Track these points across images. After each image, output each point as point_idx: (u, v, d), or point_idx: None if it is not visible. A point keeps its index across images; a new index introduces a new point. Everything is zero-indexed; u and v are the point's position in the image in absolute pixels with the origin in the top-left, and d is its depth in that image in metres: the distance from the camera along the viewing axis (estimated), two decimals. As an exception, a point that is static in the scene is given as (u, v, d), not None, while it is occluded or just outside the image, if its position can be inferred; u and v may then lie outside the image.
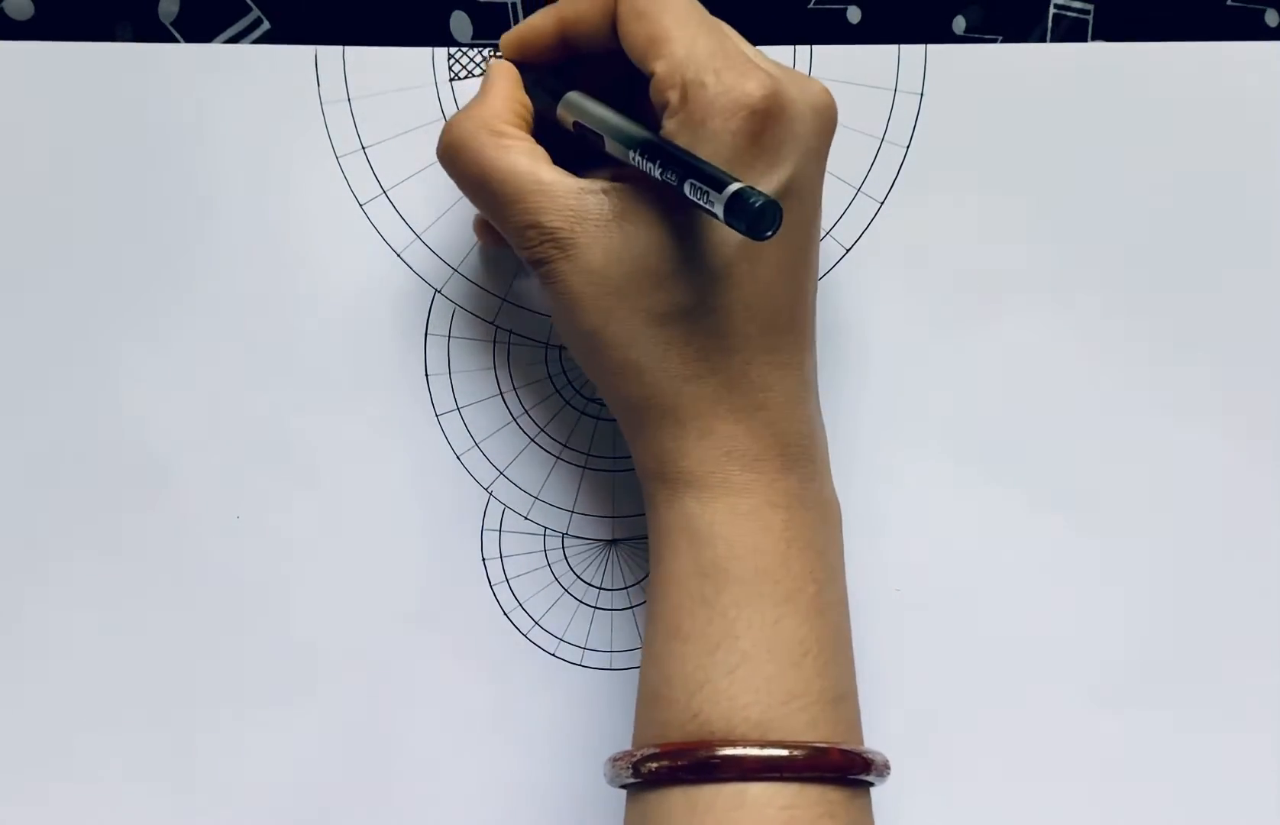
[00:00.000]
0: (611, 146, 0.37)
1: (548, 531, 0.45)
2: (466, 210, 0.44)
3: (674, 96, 0.36)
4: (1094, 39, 0.45)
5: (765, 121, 0.35)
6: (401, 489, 0.44)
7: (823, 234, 0.44)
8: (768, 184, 0.36)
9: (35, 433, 0.44)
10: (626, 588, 0.45)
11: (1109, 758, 0.44)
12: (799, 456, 0.38)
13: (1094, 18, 0.45)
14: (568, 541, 0.45)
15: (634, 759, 0.36)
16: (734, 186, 0.32)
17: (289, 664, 0.44)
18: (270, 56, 0.44)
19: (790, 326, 0.38)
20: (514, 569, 0.44)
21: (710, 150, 0.35)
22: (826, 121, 0.38)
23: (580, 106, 0.39)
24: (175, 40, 0.44)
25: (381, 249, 0.44)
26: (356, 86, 0.44)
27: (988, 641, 0.45)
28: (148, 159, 0.44)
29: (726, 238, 0.36)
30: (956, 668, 0.45)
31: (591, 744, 0.44)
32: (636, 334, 0.37)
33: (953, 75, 0.45)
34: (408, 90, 0.44)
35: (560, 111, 0.39)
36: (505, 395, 0.45)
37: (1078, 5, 0.45)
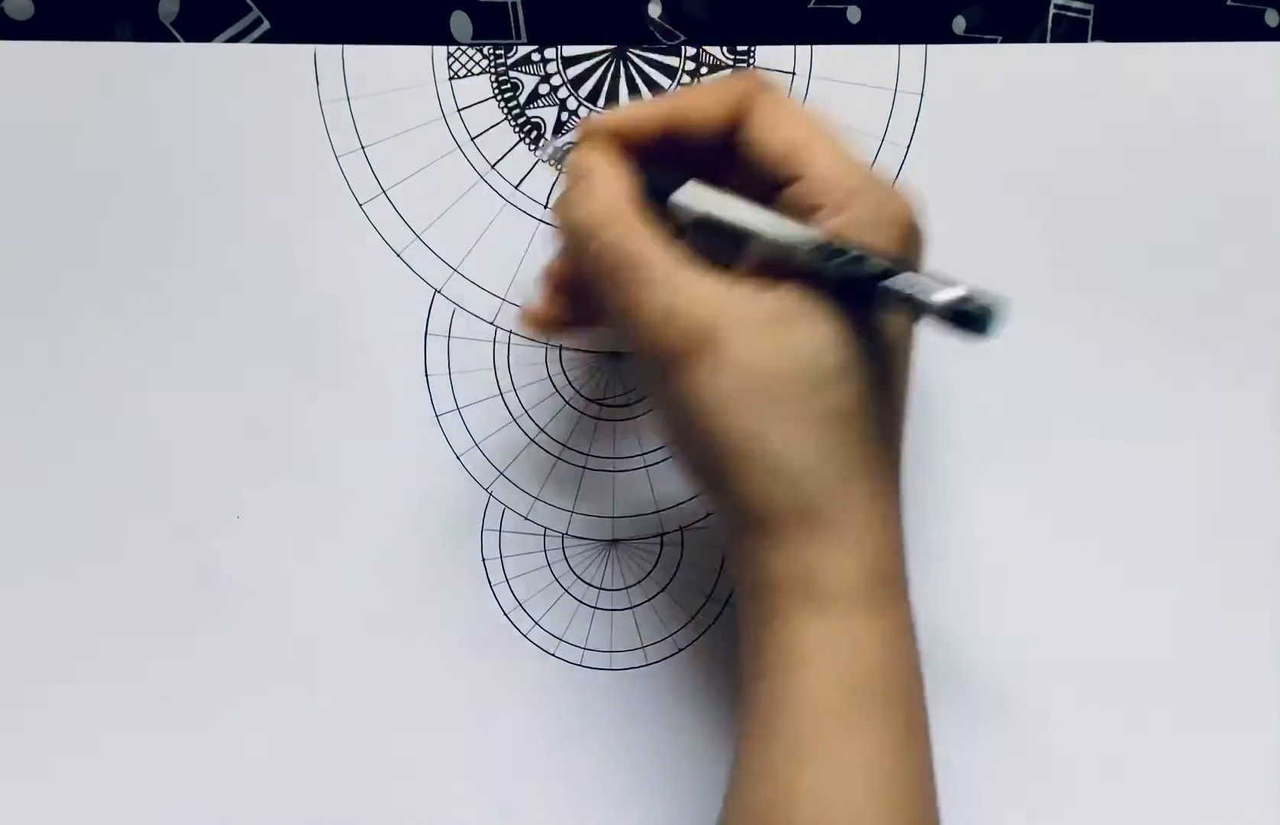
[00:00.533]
0: (762, 245, 0.36)
1: (548, 532, 0.45)
2: (467, 211, 0.44)
3: (831, 201, 0.35)
4: (1094, 39, 0.45)
5: (914, 237, 0.36)
6: (401, 489, 0.44)
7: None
8: None
9: (35, 432, 0.44)
10: (626, 588, 0.45)
11: (1110, 757, 0.44)
12: (906, 573, 0.37)
13: (1094, 18, 0.45)
14: (568, 542, 0.45)
15: None
16: (958, 288, 0.32)
17: (289, 664, 0.44)
18: (270, 56, 0.44)
19: (903, 435, 0.37)
20: (514, 569, 0.44)
21: None
22: (924, 239, 0.38)
23: (710, 200, 0.37)
24: (175, 40, 0.44)
25: (381, 249, 0.44)
26: (356, 86, 0.44)
27: (988, 641, 0.45)
28: (148, 159, 0.44)
29: (883, 344, 0.36)
30: (956, 667, 0.45)
31: (592, 744, 0.44)
32: (793, 436, 0.35)
33: (953, 75, 0.45)
34: (408, 90, 0.44)
35: (675, 206, 0.37)
36: (505, 395, 0.45)
37: (1078, 5, 0.45)
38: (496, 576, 0.44)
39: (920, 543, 0.44)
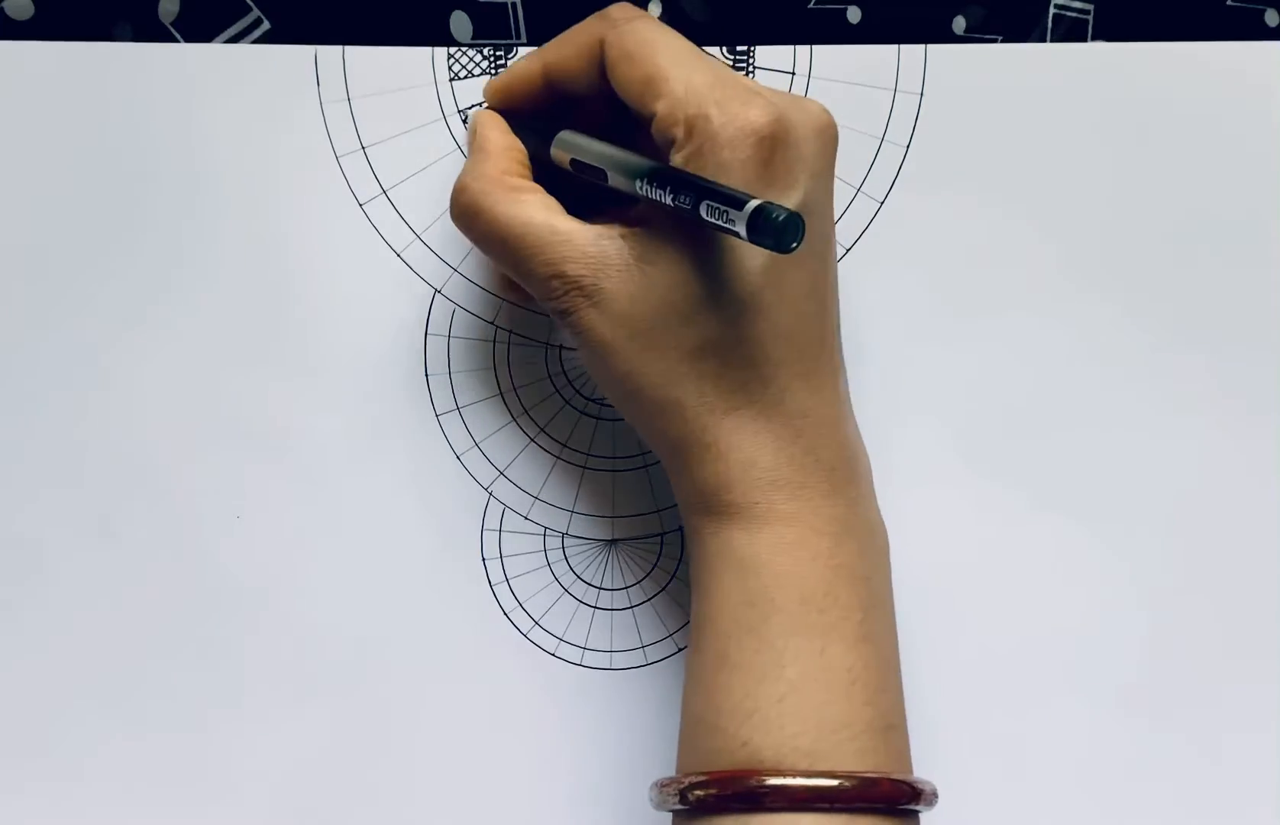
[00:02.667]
0: (615, 179, 0.37)
1: (548, 531, 0.45)
2: (466, 210, 0.44)
3: (679, 132, 0.36)
4: (1094, 39, 0.45)
5: (773, 147, 0.36)
6: (401, 489, 0.44)
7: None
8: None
9: (35, 432, 0.44)
10: (626, 588, 0.45)
11: (1110, 758, 0.44)
12: (843, 481, 0.38)
13: (1094, 18, 0.45)
14: (568, 541, 0.45)
15: (681, 785, 0.36)
16: (754, 202, 0.32)
17: (289, 664, 0.44)
18: (270, 56, 0.44)
19: (820, 347, 0.38)
20: (514, 569, 0.44)
21: (721, 180, 0.35)
22: (829, 141, 0.38)
23: (576, 144, 0.39)
24: (175, 40, 0.44)
25: (381, 249, 0.44)
26: (356, 86, 0.44)
27: (988, 641, 0.45)
28: (148, 159, 0.44)
29: (748, 266, 0.36)
30: (957, 667, 0.45)
31: (591, 744, 0.44)
32: (671, 372, 0.37)
33: (953, 75, 0.45)
34: (408, 90, 0.44)
35: (555, 152, 0.39)
36: (505, 395, 0.45)
37: (1078, 5, 0.45)
38: (496, 576, 0.44)
39: (918, 542, 0.45)
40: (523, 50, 0.44)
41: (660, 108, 0.37)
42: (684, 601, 0.45)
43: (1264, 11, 0.45)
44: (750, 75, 0.44)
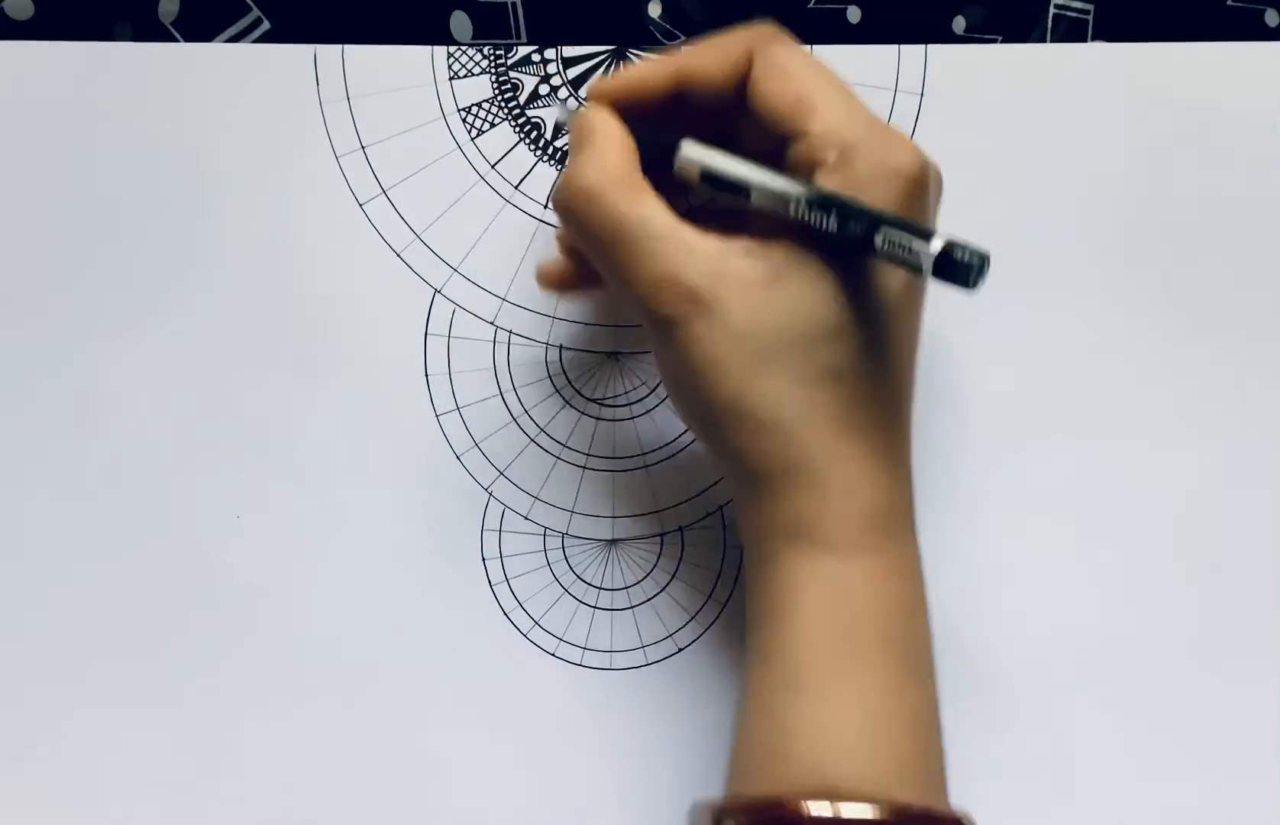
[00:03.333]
0: (760, 197, 0.36)
1: (548, 531, 0.45)
2: (467, 211, 0.44)
3: (832, 155, 0.36)
4: (1094, 39, 0.45)
5: (917, 192, 0.36)
6: (401, 489, 0.44)
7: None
8: None
9: (35, 432, 0.44)
10: (626, 588, 0.45)
11: (1110, 757, 0.44)
12: (913, 521, 0.38)
13: (1094, 18, 0.45)
14: (568, 541, 0.45)
15: (753, 807, 0.36)
16: (943, 237, 0.33)
17: (288, 664, 0.44)
18: (270, 56, 0.44)
19: (910, 393, 0.38)
20: (514, 569, 0.44)
21: None
22: (940, 189, 0.38)
23: (712, 157, 0.37)
24: (175, 40, 0.44)
25: (381, 249, 0.44)
26: (356, 86, 0.44)
27: (988, 641, 0.45)
28: (148, 159, 0.44)
29: (882, 299, 0.36)
30: (957, 667, 0.45)
31: (591, 744, 0.44)
32: (782, 395, 0.36)
33: (953, 75, 0.45)
34: (407, 90, 0.44)
35: (681, 165, 0.38)
36: (505, 395, 0.45)
37: (1078, 5, 0.45)
38: (496, 576, 0.44)
39: (924, 540, 0.45)
40: (522, 49, 0.44)
41: (815, 127, 0.36)
42: (684, 602, 0.45)
43: (1264, 11, 0.45)
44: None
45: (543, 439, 0.45)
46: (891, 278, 0.36)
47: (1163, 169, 0.45)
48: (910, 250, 0.33)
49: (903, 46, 0.45)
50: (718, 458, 0.38)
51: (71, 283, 0.44)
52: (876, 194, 0.35)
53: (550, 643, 0.44)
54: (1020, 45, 0.45)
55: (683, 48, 0.39)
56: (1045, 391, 0.45)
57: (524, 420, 0.45)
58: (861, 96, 0.37)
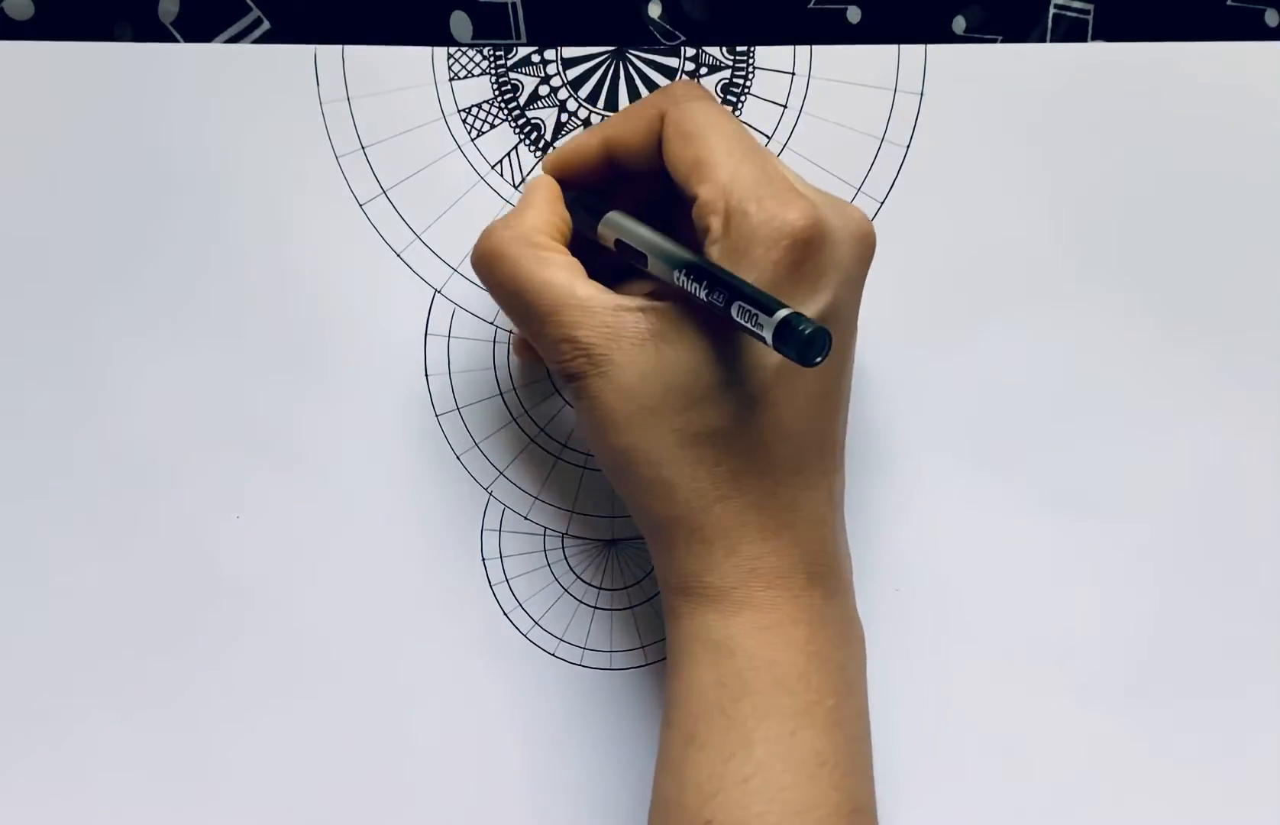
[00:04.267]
0: (654, 266, 0.37)
1: (547, 531, 0.45)
2: (467, 211, 0.44)
3: (716, 222, 0.36)
4: (1094, 39, 0.45)
5: (807, 251, 0.36)
6: (401, 489, 0.44)
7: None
8: (807, 311, 0.36)
9: (35, 432, 0.44)
10: (626, 588, 0.45)
11: (1110, 757, 0.44)
12: (823, 575, 0.38)
13: (1094, 18, 0.45)
14: (568, 541, 0.45)
15: None
16: (784, 312, 0.33)
17: (288, 663, 0.44)
18: (270, 56, 0.44)
19: (820, 449, 0.38)
20: (514, 569, 0.44)
21: (752, 277, 0.35)
22: (866, 249, 0.38)
23: (622, 226, 0.39)
24: (175, 40, 0.44)
25: (381, 249, 0.44)
26: (356, 86, 0.44)
27: (989, 641, 0.45)
28: (148, 159, 0.44)
29: (763, 361, 0.36)
30: (957, 668, 0.45)
31: (591, 744, 0.44)
32: (668, 453, 0.37)
33: (953, 75, 0.45)
34: (407, 90, 0.44)
35: (601, 230, 0.39)
36: (505, 395, 0.45)
37: (1078, 5, 0.45)
38: (496, 576, 0.44)
39: (916, 545, 0.45)
40: (522, 50, 0.44)
41: (703, 192, 0.37)
42: (684, 601, 0.45)
43: (1264, 11, 0.45)
44: (750, 75, 0.44)
45: (542, 439, 0.45)
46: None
47: (1163, 169, 0.45)
48: (758, 321, 0.33)
49: (903, 46, 0.45)
50: (628, 506, 0.39)
51: (71, 283, 0.44)
52: (757, 257, 0.35)
53: (550, 643, 0.44)
54: (1020, 45, 0.45)
55: (611, 116, 0.41)
56: (1045, 392, 0.45)
57: (524, 420, 0.45)
58: (763, 152, 0.37)
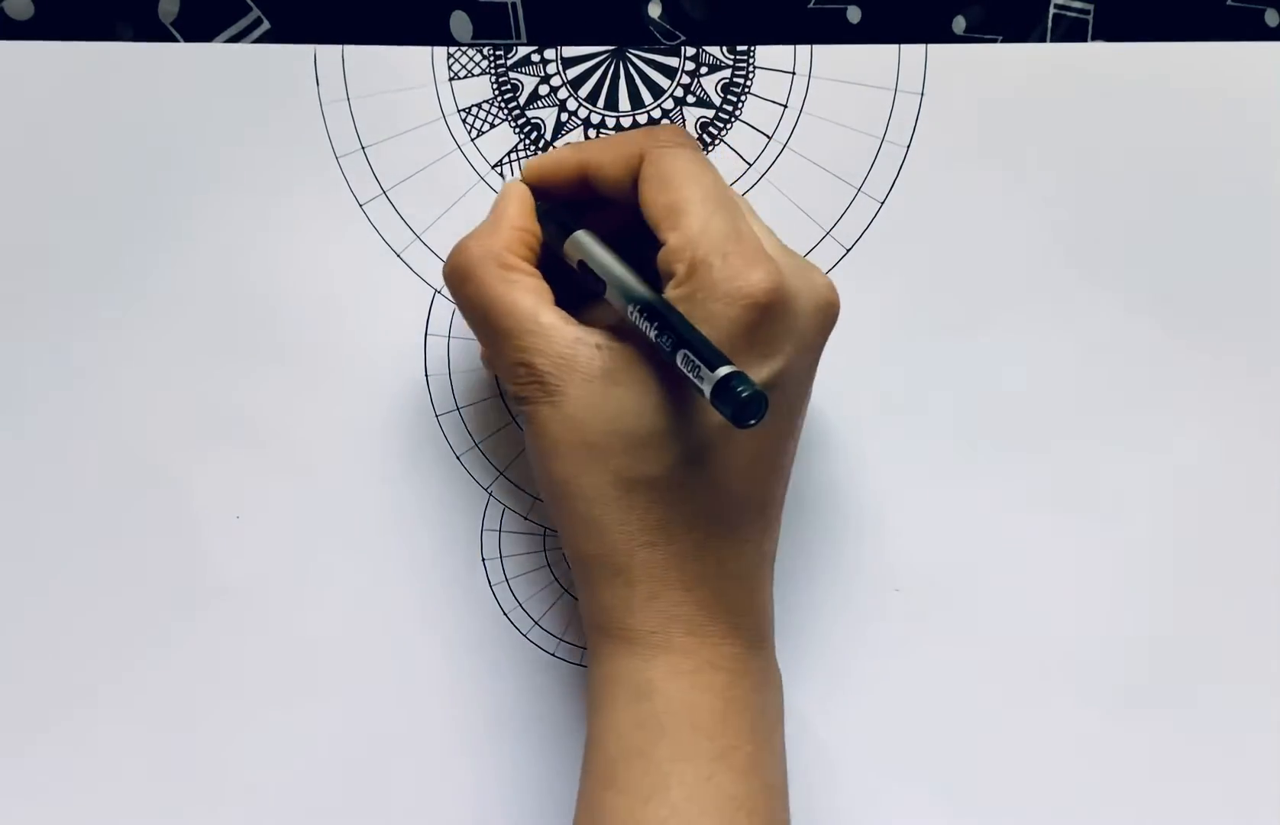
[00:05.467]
0: (611, 295, 0.37)
1: (547, 531, 0.45)
2: (466, 211, 0.44)
3: (680, 269, 0.36)
4: (1094, 39, 0.45)
5: (764, 314, 0.35)
6: (401, 489, 0.44)
7: (824, 234, 0.44)
8: (758, 374, 0.36)
9: (35, 432, 0.44)
10: (626, 588, 0.45)
11: (1110, 756, 0.44)
12: (747, 627, 0.38)
13: (1094, 18, 0.45)
14: (568, 541, 0.45)
15: None
16: (725, 370, 0.33)
17: (288, 664, 0.44)
18: (270, 56, 0.44)
19: (756, 511, 0.38)
20: (514, 569, 0.44)
21: (707, 332, 0.35)
22: (827, 318, 0.38)
23: (586, 248, 0.39)
24: (175, 40, 0.44)
25: (381, 249, 0.44)
26: (356, 86, 0.44)
27: (989, 641, 0.45)
28: (148, 159, 0.44)
29: (708, 417, 0.36)
30: (957, 668, 0.45)
31: (591, 744, 0.44)
32: (602, 492, 0.37)
33: (953, 75, 0.45)
34: (408, 90, 0.44)
35: (566, 248, 0.39)
36: (505, 395, 0.45)
37: (1078, 5, 0.45)
38: (496, 576, 0.44)
39: (916, 545, 0.45)
40: (522, 50, 0.44)
41: (672, 239, 0.37)
42: (684, 601, 0.45)
43: (1264, 11, 0.45)
44: (750, 75, 0.44)
45: (543, 439, 0.45)
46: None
47: (1163, 169, 0.45)
48: (700, 374, 0.33)
49: (903, 46, 0.45)
50: (559, 537, 0.40)
51: (71, 282, 0.44)
52: (714, 311, 0.35)
53: (550, 643, 0.44)
54: (1020, 45, 0.45)
55: (593, 139, 0.41)
56: (1045, 392, 0.45)
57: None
58: (738, 208, 0.38)
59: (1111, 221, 0.45)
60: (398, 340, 0.44)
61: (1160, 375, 0.45)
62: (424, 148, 0.44)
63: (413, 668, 0.44)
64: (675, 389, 0.36)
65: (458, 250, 0.39)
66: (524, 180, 0.41)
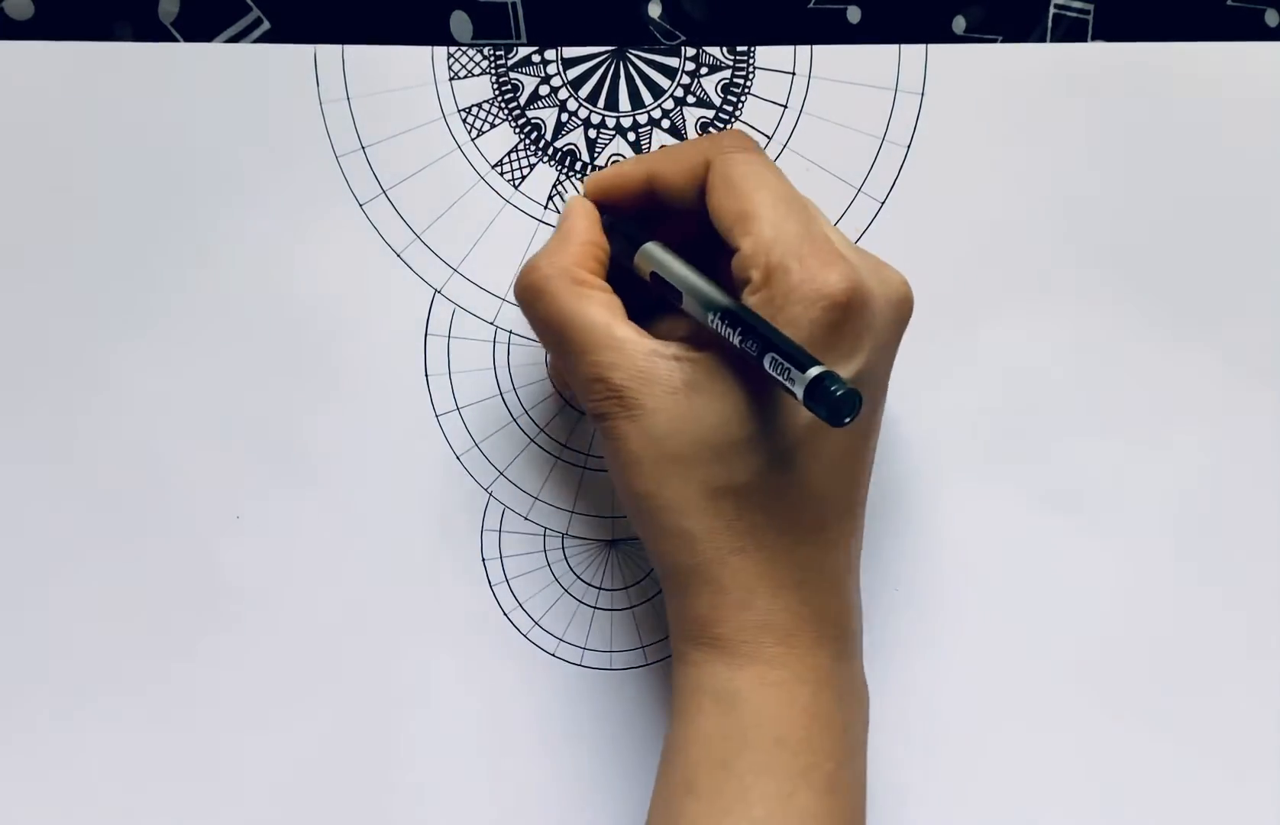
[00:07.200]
0: (689, 304, 0.37)
1: (547, 532, 0.45)
2: (467, 211, 0.44)
3: (757, 275, 0.36)
4: (1094, 39, 0.45)
5: (845, 314, 0.35)
6: (401, 489, 0.44)
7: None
8: (843, 373, 0.35)
9: (36, 432, 0.44)
10: (626, 588, 0.45)
11: (1110, 755, 0.44)
12: (832, 636, 0.38)
13: (1094, 18, 0.45)
14: (567, 542, 0.45)
15: None
16: (816, 370, 0.32)
17: (288, 664, 0.44)
18: (270, 56, 0.44)
19: (842, 511, 0.38)
20: (514, 569, 0.44)
21: (790, 335, 0.35)
22: (903, 314, 0.38)
23: (659, 259, 0.39)
24: (175, 40, 0.44)
25: (381, 249, 0.44)
26: (356, 86, 0.44)
27: (988, 641, 0.45)
28: (148, 159, 0.44)
29: (793, 420, 0.36)
30: (957, 668, 0.45)
31: (591, 744, 0.44)
32: (690, 502, 0.36)
33: (953, 75, 0.45)
34: (407, 90, 0.44)
35: (638, 261, 0.39)
36: (505, 395, 0.45)
37: (1078, 5, 0.45)
38: (496, 576, 0.44)
39: (915, 545, 0.45)
40: (522, 50, 0.44)
41: (746, 245, 0.37)
42: (684, 601, 0.45)
43: (1264, 11, 0.45)
44: (750, 75, 0.44)
45: (542, 439, 0.45)
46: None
47: (1162, 169, 0.45)
48: (790, 376, 0.33)
49: (903, 46, 0.45)
50: (645, 548, 0.39)
51: (71, 283, 0.44)
52: (795, 314, 0.35)
53: (550, 643, 0.44)
54: (1020, 45, 0.45)
55: (657, 150, 0.41)
56: (1045, 391, 0.45)
57: (524, 420, 0.45)
58: (809, 210, 0.37)
59: (1111, 221, 0.45)
60: (398, 340, 0.44)
61: (1160, 373, 0.45)
62: (424, 148, 0.44)
63: (413, 668, 0.44)
64: (757, 394, 0.36)
65: (528, 268, 0.39)
66: (587, 195, 0.41)
